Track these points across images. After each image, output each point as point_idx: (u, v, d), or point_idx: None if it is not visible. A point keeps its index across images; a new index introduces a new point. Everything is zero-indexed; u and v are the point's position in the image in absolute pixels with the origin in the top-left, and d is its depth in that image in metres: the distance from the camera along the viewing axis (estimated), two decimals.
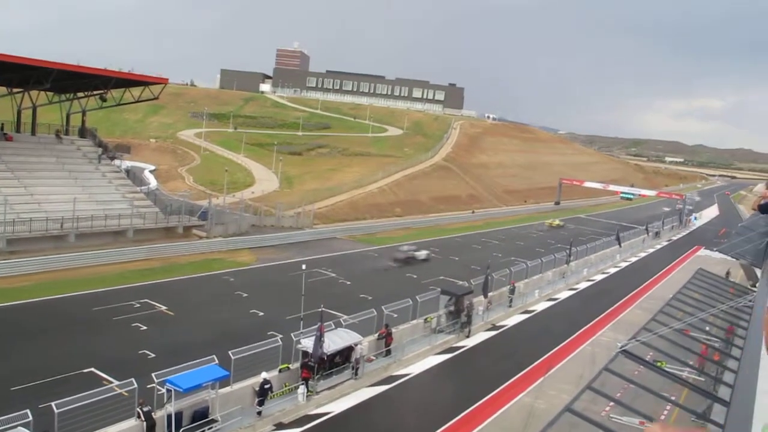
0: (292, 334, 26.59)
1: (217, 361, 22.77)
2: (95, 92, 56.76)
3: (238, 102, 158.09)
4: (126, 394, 20.04)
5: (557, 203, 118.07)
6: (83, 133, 59.62)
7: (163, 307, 35.35)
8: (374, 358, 29.93)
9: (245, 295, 39.85)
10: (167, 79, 59.61)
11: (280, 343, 25.32)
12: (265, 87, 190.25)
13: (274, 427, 23.16)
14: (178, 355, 24.35)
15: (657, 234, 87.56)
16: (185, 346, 28.06)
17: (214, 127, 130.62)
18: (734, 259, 29.44)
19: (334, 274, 47.41)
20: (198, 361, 22.17)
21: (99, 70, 51.98)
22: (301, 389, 24.77)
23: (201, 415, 21.64)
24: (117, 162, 59.14)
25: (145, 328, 31.92)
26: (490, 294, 40.20)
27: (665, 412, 22.09)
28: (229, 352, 23.01)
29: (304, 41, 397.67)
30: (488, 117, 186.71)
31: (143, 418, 19.73)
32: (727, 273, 25.83)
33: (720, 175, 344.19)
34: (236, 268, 47.55)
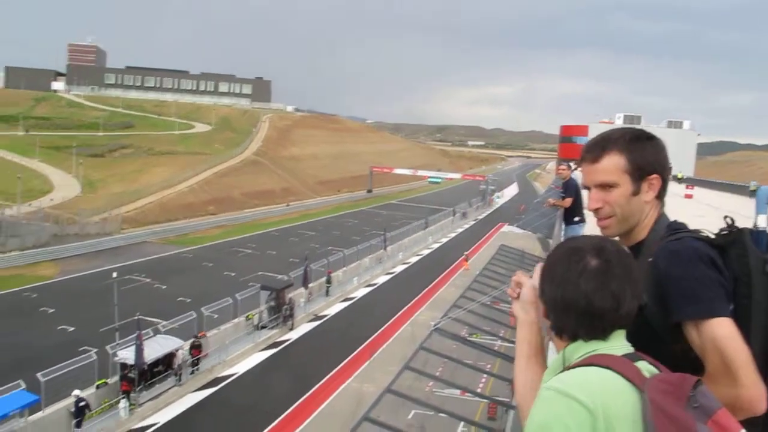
0: (107, 347, 25.28)
1: (24, 386, 21.15)
2: None
3: (27, 102, 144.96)
4: None
5: (370, 191, 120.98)
6: None
7: None
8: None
9: (51, 311, 37.02)
10: None
11: (95, 357, 24.02)
12: (59, 85, 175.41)
13: None
14: None
15: (464, 214, 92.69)
16: None
17: (1, 130, 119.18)
18: (532, 233, 31.97)
19: (148, 279, 45.43)
20: (1, 388, 20.50)
21: None
22: (122, 403, 23.69)
23: None
24: None
25: None
26: (309, 285, 40.71)
27: (482, 382, 23.69)
28: (38, 375, 21.45)
29: (100, 35, 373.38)
30: (290, 108, 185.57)
31: None
32: (522, 252, 28.05)
33: (517, 156, 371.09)
34: (38, 282, 43.99)
